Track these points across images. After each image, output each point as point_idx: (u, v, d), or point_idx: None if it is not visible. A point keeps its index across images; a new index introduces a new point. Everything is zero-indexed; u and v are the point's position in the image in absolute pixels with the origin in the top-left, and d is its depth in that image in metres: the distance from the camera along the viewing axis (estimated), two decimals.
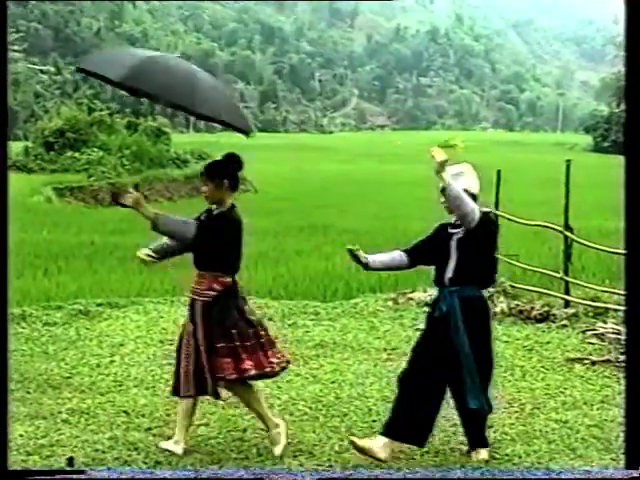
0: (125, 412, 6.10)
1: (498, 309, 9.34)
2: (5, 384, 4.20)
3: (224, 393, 5.53)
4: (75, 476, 4.69)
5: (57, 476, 4.66)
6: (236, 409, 6.19)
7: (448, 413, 5.61)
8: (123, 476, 4.79)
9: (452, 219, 5.50)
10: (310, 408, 6.27)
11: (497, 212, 10.86)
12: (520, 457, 5.30)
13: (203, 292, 5.38)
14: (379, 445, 5.19)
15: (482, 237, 5.37)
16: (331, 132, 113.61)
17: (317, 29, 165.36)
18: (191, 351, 5.30)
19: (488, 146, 70.49)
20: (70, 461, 5.11)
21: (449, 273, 5.37)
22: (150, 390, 6.66)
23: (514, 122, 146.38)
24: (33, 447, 5.36)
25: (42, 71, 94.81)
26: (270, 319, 9.17)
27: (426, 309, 5.74)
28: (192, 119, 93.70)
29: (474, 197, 5.45)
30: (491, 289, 9.84)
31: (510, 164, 28.11)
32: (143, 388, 6.65)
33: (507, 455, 5.34)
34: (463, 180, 5.48)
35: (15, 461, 5.10)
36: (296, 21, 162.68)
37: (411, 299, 10.00)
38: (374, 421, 5.99)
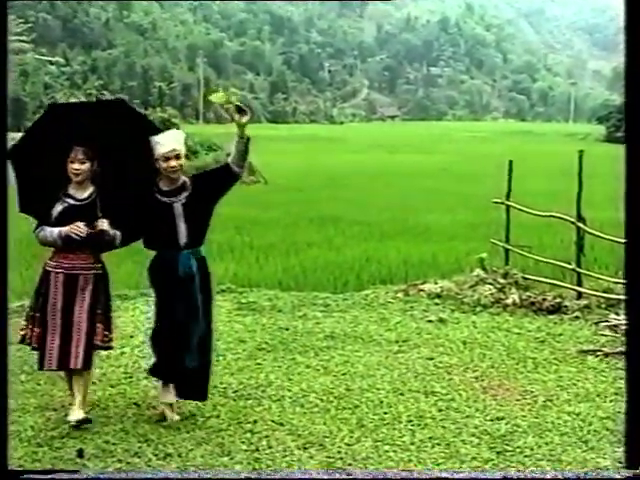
0: (135, 404, 6.10)
1: (510, 300, 9.30)
2: (5, 384, 4.15)
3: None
4: (76, 476, 4.67)
5: (57, 476, 4.64)
6: (247, 401, 6.18)
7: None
8: (124, 476, 4.78)
9: (163, 187, 5.69)
10: (321, 400, 6.24)
11: (509, 203, 10.81)
12: (532, 449, 5.27)
13: None
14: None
15: (205, 196, 5.72)
16: (341, 123, 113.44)
17: (327, 19, 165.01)
18: None
19: (499, 137, 70.38)
20: (80, 453, 5.11)
21: (183, 238, 5.66)
22: (160, 382, 6.64)
23: (526, 112, 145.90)
24: (43, 439, 5.36)
25: (51, 62, 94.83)
26: (280, 310, 9.16)
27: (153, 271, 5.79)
28: (202, 110, 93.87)
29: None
30: (502, 280, 9.82)
31: (522, 154, 27.99)
32: (153, 380, 6.62)
33: (519, 447, 5.30)
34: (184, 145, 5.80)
35: (26, 453, 5.11)
36: (306, 11, 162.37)
37: (422, 291, 9.96)
38: (385, 413, 5.96)
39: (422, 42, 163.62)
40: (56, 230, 5.56)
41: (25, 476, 4.63)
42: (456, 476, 4.90)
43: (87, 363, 5.61)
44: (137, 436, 5.44)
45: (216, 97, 5.71)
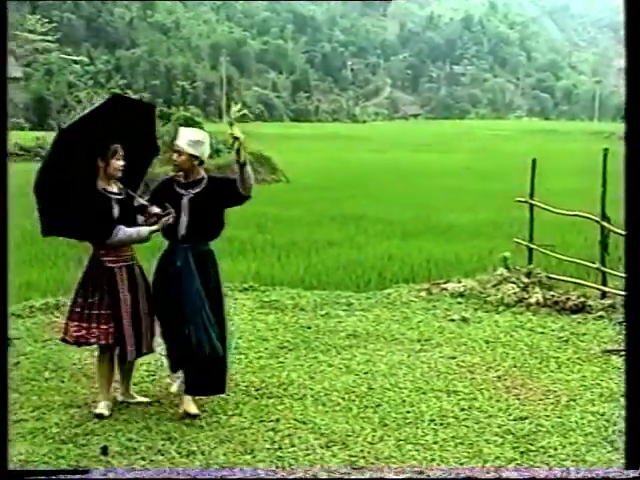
0: (158, 402, 6.12)
1: (533, 300, 9.25)
2: (5, 385, 4.16)
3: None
4: (77, 476, 4.68)
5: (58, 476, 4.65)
6: (269, 399, 6.19)
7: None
8: (124, 476, 4.79)
9: (179, 179, 5.94)
10: (343, 399, 6.24)
11: (532, 201, 10.75)
12: (556, 449, 5.25)
13: None
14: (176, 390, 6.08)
15: (213, 197, 5.88)
16: (364, 121, 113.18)
17: (349, 18, 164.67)
18: None
19: (523, 135, 70.01)
20: (104, 450, 5.14)
21: (182, 230, 5.84)
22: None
23: (549, 111, 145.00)
24: (68, 436, 5.39)
25: (75, 61, 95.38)
26: (302, 309, 9.16)
27: (155, 263, 6.00)
28: (224, 109, 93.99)
29: (202, 162, 5.99)
30: (526, 279, 9.77)
31: (545, 153, 27.84)
32: (175, 377, 6.64)
33: (542, 447, 5.28)
34: (202, 148, 5.95)
35: (50, 450, 5.14)
36: (328, 10, 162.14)
37: (445, 289, 9.93)
38: (408, 412, 5.95)
39: (445, 40, 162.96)
40: (144, 229, 5.80)
41: (26, 477, 4.63)
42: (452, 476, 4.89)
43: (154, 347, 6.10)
44: (160, 434, 5.46)
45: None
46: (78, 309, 5.82)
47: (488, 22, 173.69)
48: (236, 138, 5.73)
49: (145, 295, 5.92)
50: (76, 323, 5.81)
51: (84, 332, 5.78)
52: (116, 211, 5.79)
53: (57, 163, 5.69)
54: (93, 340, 5.81)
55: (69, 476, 4.70)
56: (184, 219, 5.86)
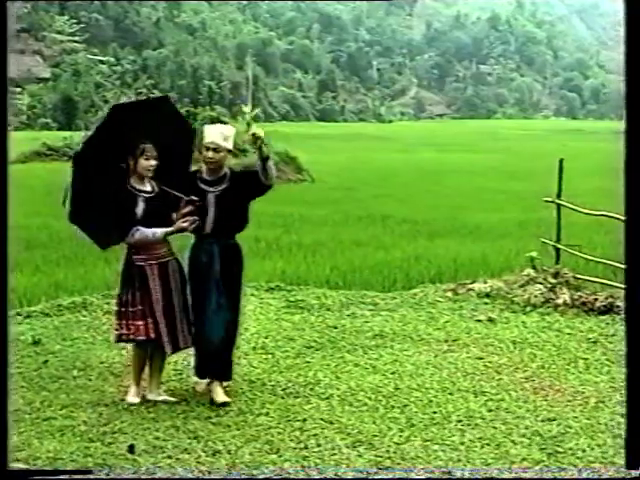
0: (185, 400, 6.14)
1: (560, 300, 9.20)
2: (5, 384, 4.18)
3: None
4: (77, 476, 4.69)
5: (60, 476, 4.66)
6: (295, 399, 6.20)
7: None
8: (126, 476, 4.80)
9: (206, 176, 6.05)
10: (369, 399, 6.23)
11: (560, 202, 10.68)
12: (584, 451, 5.21)
13: None
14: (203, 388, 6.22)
15: (238, 191, 6.01)
16: (390, 121, 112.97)
17: (375, 17, 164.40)
18: None
19: (550, 134, 69.59)
20: (131, 448, 5.16)
21: (209, 226, 5.99)
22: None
23: (577, 110, 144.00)
24: (95, 434, 5.42)
25: (102, 61, 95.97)
26: (328, 309, 9.15)
27: (186, 256, 6.15)
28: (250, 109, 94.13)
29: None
30: (553, 280, 9.71)
31: (573, 152, 27.71)
32: (201, 385, 6.65)
33: (571, 449, 5.25)
34: (231, 142, 6.06)
35: (78, 448, 5.17)
36: (354, 9, 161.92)
37: (471, 290, 9.88)
38: (434, 412, 5.93)
39: (472, 40, 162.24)
40: (159, 231, 5.88)
41: (26, 477, 4.63)
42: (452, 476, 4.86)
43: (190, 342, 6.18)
44: (187, 432, 5.48)
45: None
46: (116, 308, 6.09)
47: (515, 21, 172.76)
48: (257, 136, 5.81)
49: (181, 290, 6.06)
50: (117, 321, 6.05)
51: (124, 330, 5.98)
52: (140, 209, 5.86)
53: (82, 177, 5.83)
54: (132, 336, 5.99)
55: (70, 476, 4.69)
56: (211, 215, 5.99)
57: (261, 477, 4.82)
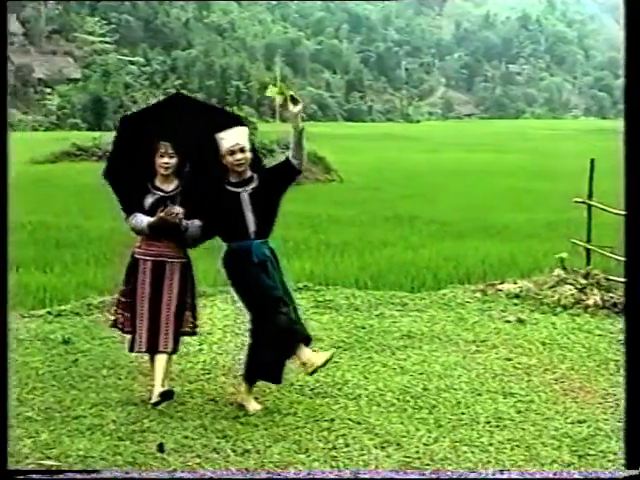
0: (213, 400, 6.15)
1: (591, 301, 9.13)
2: (5, 384, 4.19)
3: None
4: (78, 476, 4.70)
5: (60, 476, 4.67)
6: (324, 399, 6.19)
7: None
8: (128, 476, 4.80)
9: (234, 179, 5.89)
10: (397, 399, 6.22)
11: (590, 202, 10.60)
12: (615, 454, 5.16)
13: None
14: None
15: (271, 186, 5.91)
16: (417, 121, 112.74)
17: (405, 17, 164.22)
18: None
19: (579, 134, 69.16)
20: (161, 447, 5.18)
21: (251, 227, 5.84)
22: (238, 379, 6.69)
23: (607, 110, 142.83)
24: (125, 433, 5.44)
25: (132, 62, 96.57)
26: (357, 309, 9.14)
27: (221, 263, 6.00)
28: (278, 108, 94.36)
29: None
30: (584, 281, 9.63)
31: (603, 152, 27.47)
32: (231, 376, 6.68)
33: (602, 452, 5.20)
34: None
35: (108, 446, 5.19)
36: (383, 9, 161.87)
37: (500, 290, 9.84)
38: (463, 413, 5.91)
39: (501, 39, 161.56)
40: (145, 219, 5.87)
41: (26, 477, 4.64)
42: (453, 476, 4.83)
43: (175, 347, 6.03)
44: (215, 432, 5.49)
45: (271, 91, 5.92)
46: (117, 295, 6.18)
47: (546, 20, 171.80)
48: (295, 101, 5.75)
49: (177, 295, 5.96)
50: (114, 308, 6.19)
51: (119, 318, 6.07)
52: (147, 203, 5.90)
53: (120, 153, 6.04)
54: (118, 326, 6.09)
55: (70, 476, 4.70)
56: (250, 215, 5.84)
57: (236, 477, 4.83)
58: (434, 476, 4.86)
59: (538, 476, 4.86)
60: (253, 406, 5.90)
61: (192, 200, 5.90)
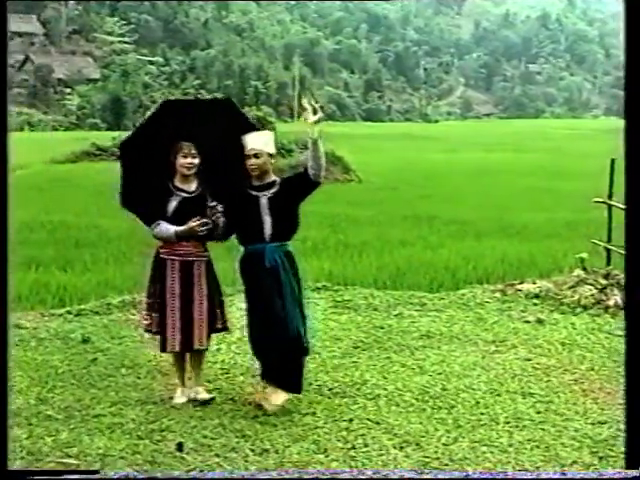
0: (232, 399, 6.16)
1: (611, 302, 9.08)
2: (5, 383, 4.20)
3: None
4: (78, 476, 4.71)
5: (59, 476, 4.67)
6: (342, 399, 6.19)
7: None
8: (129, 476, 4.81)
9: (254, 183, 5.98)
10: (416, 399, 6.21)
11: (611, 202, 10.54)
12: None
13: None
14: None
15: (289, 194, 5.97)
16: (436, 121, 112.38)
17: (423, 17, 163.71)
18: None
19: (599, 134, 68.68)
20: (180, 446, 5.19)
21: (268, 231, 5.89)
22: (256, 378, 6.70)
23: None
24: (144, 432, 5.46)
25: (151, 62, 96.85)
26: (375, 309, 9.14)
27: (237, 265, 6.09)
28: (296, 109, 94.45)
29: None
30: (604, 281, 9.58)
31: (623, 152, 27.25)
32: (249, 376, 6.69)
33: (623, 453, 5.16)
34: (272, 145, 6.04)
35: (127, 445, 5.21)
36: (402, 9, 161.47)
37: (519, 290, 9.80)
38: (482, 414, 5.89)
39: (521, 39, 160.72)
40: (172, 228, 5.89)
41: (26, 477, 4.64)
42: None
43: (208, 344, 6.13)
44: (234, 431, 5.50)
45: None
46: (145, 298, 6.18)
47: (566, 19, 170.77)
48: (316, 111, 5.83)
49: (207, 293, 6.02)
50: (144, 312, 6.17)
51: (149, 321, 6.07)
52: (172, 207, 5.92)
53: (148, 133, 6.02)
54: (155, 329, 6.06)
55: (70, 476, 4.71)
56: (267, 219, 5.91)
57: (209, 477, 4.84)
58: (431, 476, 4.86)
59: (538, 476, 4.83)
60: (271, 405, 5.91)
61: (214, 201, 5.98)
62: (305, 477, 4.83)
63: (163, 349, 6.10)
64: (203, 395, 6.11)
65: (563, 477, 4.82)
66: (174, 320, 5.95)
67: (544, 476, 4.84)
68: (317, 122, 5.82)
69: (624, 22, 4.55)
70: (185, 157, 5.90)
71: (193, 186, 6.00)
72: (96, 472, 4.75)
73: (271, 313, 5.87)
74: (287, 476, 4.81)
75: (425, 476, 4.85)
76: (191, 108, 6.38)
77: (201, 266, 6.02)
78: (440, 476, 4.85)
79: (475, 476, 4.83)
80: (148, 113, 6.22)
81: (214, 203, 5.94)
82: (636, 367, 4.27)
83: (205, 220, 5.86)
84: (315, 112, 5.83)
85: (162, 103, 6.36)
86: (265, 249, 5.89)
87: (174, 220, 5.90)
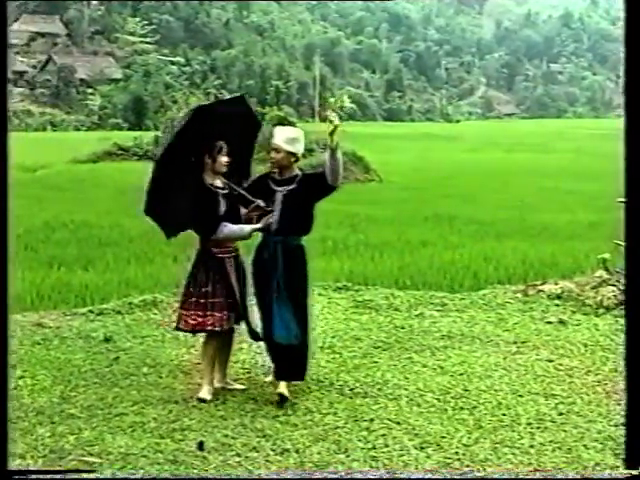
0: (253, 399, 6.17)
1: None
2: (5, 384, 4.20)
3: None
4: (76, 476, 4.72)
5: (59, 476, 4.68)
6: (363, 399, 6.18)
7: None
8: (128, 476, 4.81)
9: (274, 176, 6.21)
10: (438, 400, 6.19)
11: None
12: None
13: None
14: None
15: (305, 193, 6.13)
16: (457, 121, 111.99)
17: (445, 16, 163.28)
18: None
19: (622, 134, 68.29)
20: (201, 445, 5.20)
21: (274, 224, 6.09)
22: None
23: None
24: (165, 431, 5.48)
25: (172, 62, 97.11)
26: (396, 309, 9.12)
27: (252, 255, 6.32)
28: (317, 108, 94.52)
29: (297, 159, 6.26)
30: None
31: None
32: (270, 375, 6.69)
33: None
34: (298, 145, 6.20)
35: (149, 444, 5.23)
36: (423, 9, 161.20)
37: (541, 291, 9.74)
38: (504, 415, 5.87)
39: (543, 38, 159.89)
40: (246, 228, 6.09)
41: (26, 477, 4.65)
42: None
43: None
44: (255, 431, 5.50)
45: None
46: (193, 299, 6.17)
47: (588, 18, 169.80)
48: (333, 124, 5.92)
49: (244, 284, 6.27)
50: (192, 312, 6.16)
51: (201, 320, 6.14)
52: (222, 206, 6.09)
53: (168, 162, 6.03)
54: (209, 327, 6.15)
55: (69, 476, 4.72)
56: (277, 215, 6.12)
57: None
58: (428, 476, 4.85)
59: (537, 476, 4.82)
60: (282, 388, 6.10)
61: (237, 196, 6.17)
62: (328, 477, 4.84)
63: (256, 339, 6.32)
64: (237, 385, 6.39)
65: (563, 477, 4.80)
66: (245, 314, 6.21)
67: (543, 476, 4.82)
68: (332, 132, 5.92)
69: (624, 22, 4.52)
70: (223, 156, 6.10)
71: (220, 183, 6.15)
72: (92, 472, 4.76)
73: (261, 304, 6.18)
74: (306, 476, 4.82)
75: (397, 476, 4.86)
76: (218, 109, 6.49)
77: (243, 260, 6.29)
78: (428, 476, 4.85)
79: (470, 476, 4.83)
80: (180, 122, 6.25)
81: (258, 201, 6.08)
82: (636, 367, 4.24)
83: (272, 214, 6.06)
84: (333, 122, 5.93)
85: (195, 110, 6.33)
86: (268, 240, 6.16)
87: (224, 219, 6.06)
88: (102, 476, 4.80)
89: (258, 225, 6.08)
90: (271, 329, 6.08)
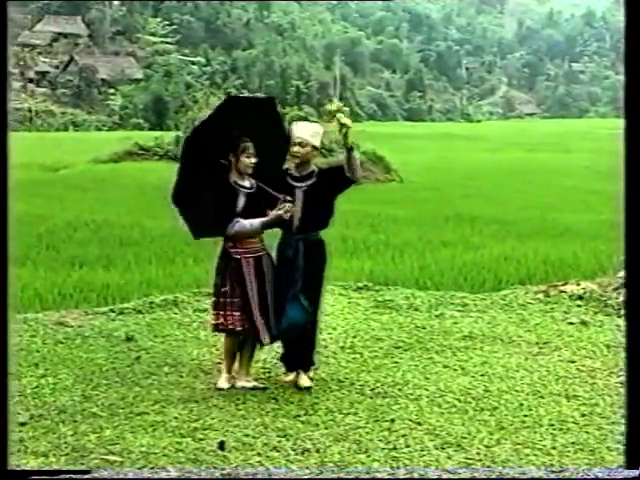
0: (274, 399, 6.17)
1: None
2: (5, 384, 4.20)
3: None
4: (77, 476, 4.71)
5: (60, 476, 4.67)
6: (384, 399, 6.17)
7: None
8: (128, 476, 4.81)
9: (294, 173, 6.25)
10: (459, 400, 6.17)
11: None
12: None
13: None
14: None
15: (324, 188, 6.19)
16: (478, 121, 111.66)
17: (466, 15, 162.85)
18: None
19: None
20: (222, 445, 5.21)
21: (296, 222, 6.15)
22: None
23: None
24: (186, 430, 5.49)
25: (193, 62, 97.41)
26: (417, 309, 9.09)
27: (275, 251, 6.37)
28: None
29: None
30: None
31: None
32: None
33: None
34: (319, 139, 6.27)
35: (170, 443, 5.24)
36: (444, 8, 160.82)
37: (563, 292, 9.69)
38: (525, 416, 5.84)
39: (565, 37, 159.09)
40: (255, 222, 6.08)
41: (26, 477, 4.64)
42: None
43: None
44: (276, 430, 5.50)
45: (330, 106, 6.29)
46: (215, 298, 6.29)
47: (612, 17, 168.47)
48: (343, 124, 6.06)
49: (274, 285, 6.27)
50: (215, 311, 6.28)
51: (222, 319, 6.23)
52: (241, 203, 6.09)
53: (190, 163, 6.09)
54: (230, 326, 6.22)
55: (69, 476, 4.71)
56: (298, 211, 6.16)
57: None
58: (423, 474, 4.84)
59: (536, 475, 4.79)
60: (304, 381, 6.27)
61: (266, 196, 6.17)
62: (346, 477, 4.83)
63: (261, 343, 6.36)
64: (255, 384, 6.39)
65: (562, 476, 4.77)
66: (259, 316, 6.19)
67: (542, 475, 4.80)
68: (346, 134, 6.04)
69: (624, 22, 4.50)
70: (249, 157, 6.10)
71: (248, 182, 6.16)
72: (87, 472, 4.77)
73: (278, 298, 6.24)
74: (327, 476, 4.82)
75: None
76: (250, 105, 6.48)
77: (269, 260, 6.26)
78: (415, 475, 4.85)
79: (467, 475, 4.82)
80: (211, 110, 6.34)
81: (282, 195, 6.10)
82: (636, 367, 4.21)
83: (289, 206, 6.05)
84: (345, 124, 6.06)
85: (227, 99, 6.47)
86: (289, 239, 6.22)
87: (242, 217, 6.08)
88: (101, 476, 4.80)
89: (267, 218, 6.08)
90: (286, 313, 6.16)
